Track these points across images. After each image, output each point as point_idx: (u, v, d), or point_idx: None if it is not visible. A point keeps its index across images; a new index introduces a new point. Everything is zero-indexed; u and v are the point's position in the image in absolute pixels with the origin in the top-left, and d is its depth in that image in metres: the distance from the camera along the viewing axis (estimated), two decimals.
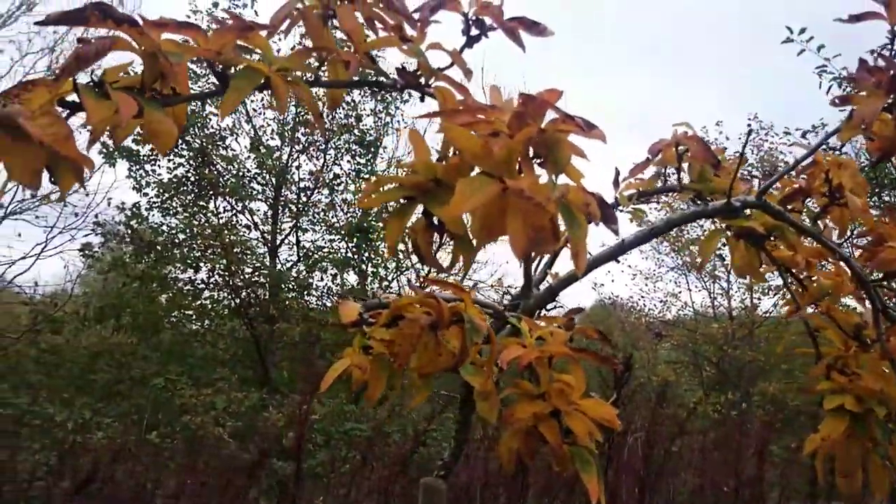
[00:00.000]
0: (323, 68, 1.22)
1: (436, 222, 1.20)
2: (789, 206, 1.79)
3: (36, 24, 0.88)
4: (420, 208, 1.21)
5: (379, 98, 10.97)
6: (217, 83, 1.07)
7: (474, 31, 1.26)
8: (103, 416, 7.70)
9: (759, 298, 13.26)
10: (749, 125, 11.98)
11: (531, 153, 1.08)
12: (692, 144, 1.80)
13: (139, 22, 0.97)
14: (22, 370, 9.27)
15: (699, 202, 1.83)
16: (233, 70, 1.07)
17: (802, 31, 7.20)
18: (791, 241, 1.80)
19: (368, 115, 11.14)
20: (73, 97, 0.94)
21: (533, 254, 1.06)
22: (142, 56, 0.96)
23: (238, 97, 1.04)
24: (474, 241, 1.14)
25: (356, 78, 1.21)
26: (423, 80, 1.22)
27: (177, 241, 10.13)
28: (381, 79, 1.23)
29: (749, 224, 1.70)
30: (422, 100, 1.24)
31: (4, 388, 8.15)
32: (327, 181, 11.11)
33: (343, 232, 10.75)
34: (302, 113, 10.53)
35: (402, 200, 1.16)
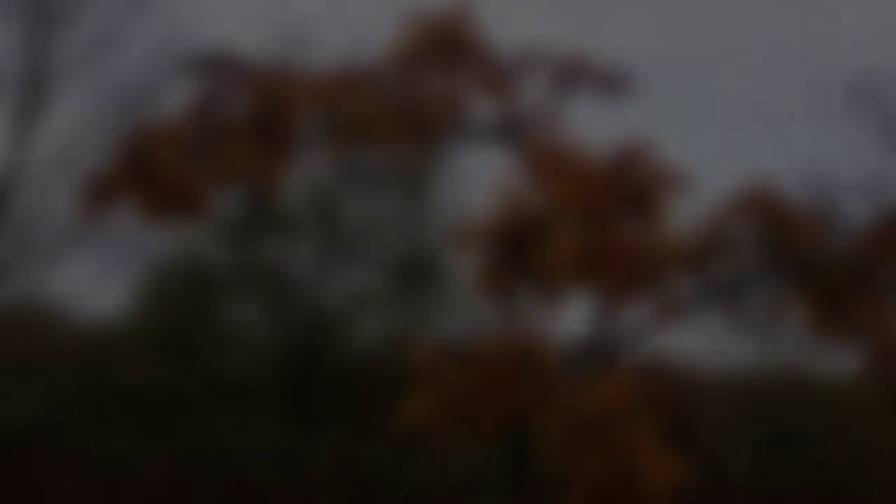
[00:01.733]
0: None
1: (519, 265, 1.22)
2: (867, 263, 1.77)
3: (172, 72, 0.96)
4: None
5: None
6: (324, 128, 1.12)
7: (564, 84, 1.30)
8: (148, 447, 7.80)
9: (814, 358, 12.79)
10: (806, 176, 11.75)
11: (622, 201, 1.11)
12: (767, 198, 1.80)
13: (258, 72, 1.03)
14: (71, 398, 9.47)
15: (772, 256, 1.82)
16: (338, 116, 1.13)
17: (864, 89, 7.15)
18: (868, 298, 1.78)
19: None
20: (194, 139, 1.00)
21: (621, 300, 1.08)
22: (261, 101, 1.03)
23: (345, 141, 1.09)
24: (561, 286, 1.16)
25: (450, 127, 1.25)
26: (514, 130, 1.26)
27: (227, 276, 10.34)
28: (474, 129, 1.27)
29: (826, 280, 1.68)
30: (511, 148, 1.28)
31: (53, 415, 8.33)
32: (377, 221, 11.25)
33: (391, 273, 10.83)
34: (354, 155, 10.75)
35: (493, 244, 1.19)
